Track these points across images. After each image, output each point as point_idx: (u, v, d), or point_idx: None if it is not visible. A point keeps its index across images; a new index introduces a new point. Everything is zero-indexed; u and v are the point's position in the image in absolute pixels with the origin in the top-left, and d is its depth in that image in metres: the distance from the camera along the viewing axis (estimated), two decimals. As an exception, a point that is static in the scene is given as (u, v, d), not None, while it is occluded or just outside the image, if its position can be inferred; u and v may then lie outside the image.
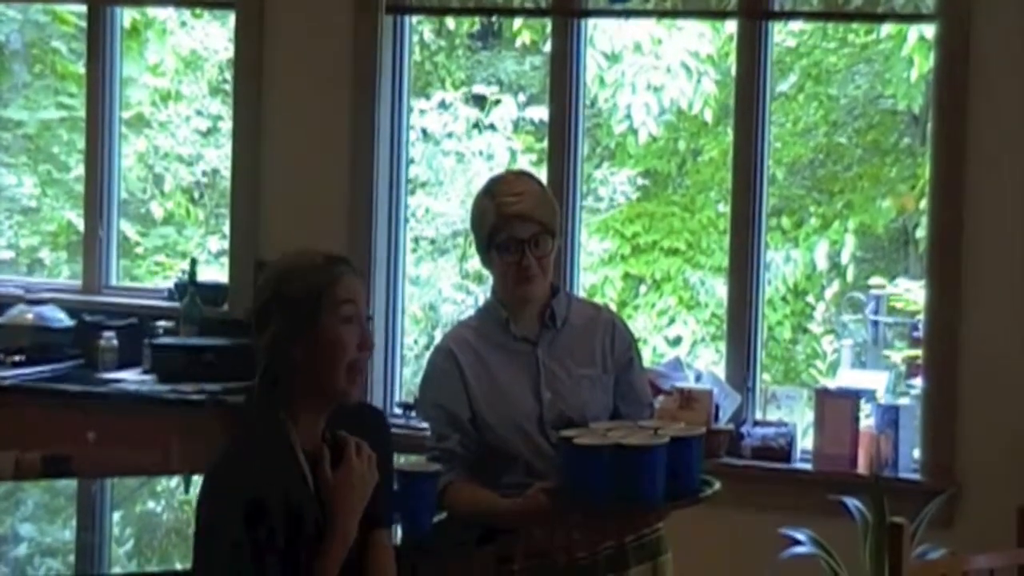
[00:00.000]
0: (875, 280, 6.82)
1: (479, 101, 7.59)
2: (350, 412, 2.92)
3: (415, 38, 6.29)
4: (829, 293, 7.25)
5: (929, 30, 5.62)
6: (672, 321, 7.45)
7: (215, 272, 6.55)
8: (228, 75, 6.79)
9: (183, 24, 7.51)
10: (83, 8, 6.49)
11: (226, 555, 2.68)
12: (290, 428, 2.80)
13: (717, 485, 3.46)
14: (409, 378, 6.01)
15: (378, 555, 2.96)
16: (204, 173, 7.62)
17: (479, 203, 3.64)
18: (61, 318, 6.07)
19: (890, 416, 5.25)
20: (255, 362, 2.86)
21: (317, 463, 2.83)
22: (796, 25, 6.99)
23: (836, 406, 5.29)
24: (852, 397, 5.33)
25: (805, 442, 5.38)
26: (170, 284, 6.24)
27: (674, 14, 5.97)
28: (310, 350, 2.79)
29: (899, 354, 6.27)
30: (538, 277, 3.59)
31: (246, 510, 2.68)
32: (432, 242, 7.60)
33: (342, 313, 2.81)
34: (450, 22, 7.31)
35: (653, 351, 7.14)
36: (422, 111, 7.32)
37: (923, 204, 5.79)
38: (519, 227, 3.54)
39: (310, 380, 2.81)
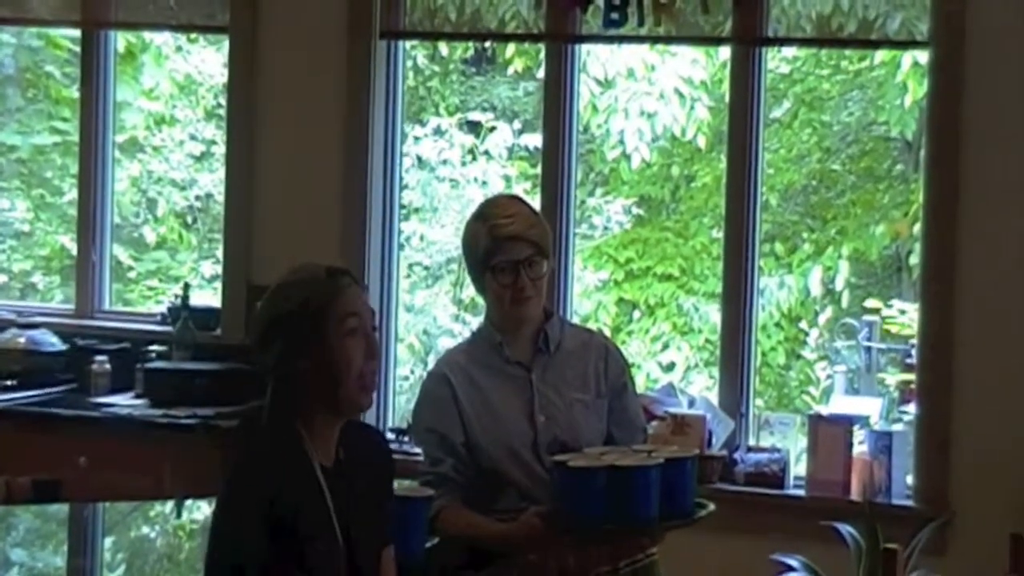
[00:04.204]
0: (868, 305, 6.82)
1: (474, 128, 7.59)
2: (355, 431, 2.93)
3: (408, 63, 6.29)
4: (822, 319, 7.25)
5: (923, 56, 5.63)
6: (665, 347, 7.45)
7: (208, 297, 6.53)
8: (222, 100, 6.79)
9: (179, 49, 7.52)
10: (77, 33, 6.48)
11: (242, 563, 2.68)
12: (307, 442, 2.80)
13: (711, 506, 3.46)
14: (403, 405, 5.99)
15: (387, 571, 3.01)
16: (197, 197, 7.62)
17: (471, 228, 3.64)
18: (53, 342, 6.05)
19: (883, 442, 5.24)
20: (261, 380, 2.86)
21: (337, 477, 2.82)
22: (789, 51, 7.02)
23: (829, 432, 5.28)
24: (845, 423, 5.32)
25: (798, 468, 5.36)
26: (163, 309, 6.21)
27: (667, 40, 5.96)
28: (317, 366, 2.78)
29: (892, 379, 6.27)
30: (533, 298, 3.59)
31: (265, 519, 2.68)
32: (426, 268, 7.59)
33: (346, 327, 2.81)
34: (443, 47, 7.32)
35: (646, 377, 7.13)
36: (417, 138, 7.33)
37: (916, 230, 5.80)
38: (514, 248, 3.55)
39: (321, 394, 2.80)
